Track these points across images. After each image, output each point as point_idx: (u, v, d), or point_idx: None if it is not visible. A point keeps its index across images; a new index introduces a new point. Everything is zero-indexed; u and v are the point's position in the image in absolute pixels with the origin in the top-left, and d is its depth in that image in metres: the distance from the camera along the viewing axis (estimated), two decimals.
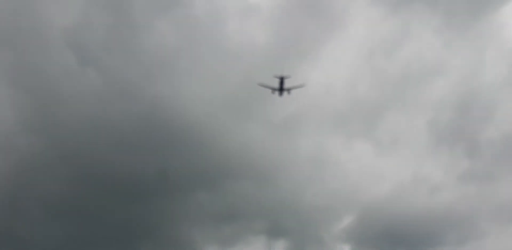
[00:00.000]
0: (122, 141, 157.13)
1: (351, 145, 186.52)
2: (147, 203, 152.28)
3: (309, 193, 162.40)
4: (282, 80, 58.86)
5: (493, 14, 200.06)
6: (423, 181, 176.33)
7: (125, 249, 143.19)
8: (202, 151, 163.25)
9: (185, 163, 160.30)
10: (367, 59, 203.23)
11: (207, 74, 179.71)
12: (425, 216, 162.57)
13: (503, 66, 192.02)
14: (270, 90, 70.32)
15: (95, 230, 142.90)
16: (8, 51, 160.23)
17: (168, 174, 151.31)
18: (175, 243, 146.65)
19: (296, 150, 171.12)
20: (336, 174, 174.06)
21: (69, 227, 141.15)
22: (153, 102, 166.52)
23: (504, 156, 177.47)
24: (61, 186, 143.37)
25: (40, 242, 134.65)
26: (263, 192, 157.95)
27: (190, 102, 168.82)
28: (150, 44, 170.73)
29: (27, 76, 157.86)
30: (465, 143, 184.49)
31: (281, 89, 63.71)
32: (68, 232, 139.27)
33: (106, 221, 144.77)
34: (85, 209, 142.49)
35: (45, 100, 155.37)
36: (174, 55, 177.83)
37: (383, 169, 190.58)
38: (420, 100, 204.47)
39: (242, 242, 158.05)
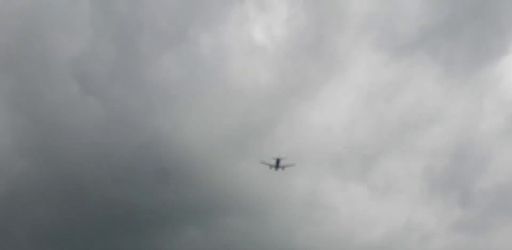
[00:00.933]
0: (118, 171, 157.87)
1: (345, 188, 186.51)
2: (137, 236, 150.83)
3: (301, 234, 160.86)
4: (278, 160, 69.87)
5: (493, 65, 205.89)
6: (415, 228, 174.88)
7: None
8: (197, 185, 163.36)
9: (179, 197, 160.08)
10: (367, 103, 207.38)
11: (208, 111, 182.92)
12: None
13: (500, 117, 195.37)
14: (268, 167, 79.83)
15: None
16: (12, 77, 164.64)
17: (161, 207, 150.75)
18: None
19: (290, 189, 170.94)
20: (329, 217, 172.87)
21: None
22: (152, 135, 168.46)
23: (497, 207, 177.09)
24: (51, 213, 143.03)
25: None
26: (255, 230, 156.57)
27: (189, 137, 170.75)
28: (154, 78, 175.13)
29: (29, 102, 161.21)
30: (459, 192, 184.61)
31: (277, 166, 72.83)
32: None
33: None
34: (72, 238, 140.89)
35: (45, 127, 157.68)
36: (176, 90, 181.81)
37: (376, 214, 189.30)
38: (417, 147, 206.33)
39: None
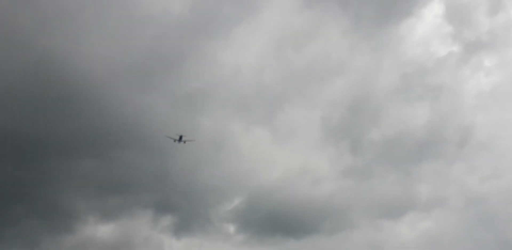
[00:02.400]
0: (3, 92, 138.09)
1: (250, 131, 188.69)
2: (22, 163, 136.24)
3: (203, 173, 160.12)
4: (181, 136, 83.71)
5: (397, 25, 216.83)
6: (309, 172, 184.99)
7: None
8: (94, 115, 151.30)
9: (73, 125, 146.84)
10: (277, 48, 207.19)
11: (111, 34, 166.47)
12: (306, 205, 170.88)
13: (395, 76, 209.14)
14: (172, 140, 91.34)
15: None
16: None
17: (55, 136, 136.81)
18: (53, 209, 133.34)
19: (195, 128, 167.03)
20: (232, 157, 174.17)
21: None
22: (45, 53, 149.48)
23: (383, 157, 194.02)
24: None
25: None
26: (155, 167, 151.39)
27: (88, 61, 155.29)
28: None
29: None
30: (351, 141, 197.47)
31: (180, 141, 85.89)
32: None
33: None
34: None
35: None
36: (76, 5, 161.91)
37: (275, 157, 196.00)
38: (318, 97, 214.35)
39: (128, 215, 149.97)
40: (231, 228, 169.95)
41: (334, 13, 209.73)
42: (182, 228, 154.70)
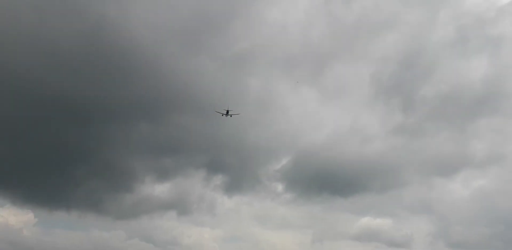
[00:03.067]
0: (62, 60, 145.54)
1: (297, 90, 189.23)
2: (85, 128, 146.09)
3: (252, 133, 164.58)
4: (227, 111, 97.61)
5: None
6: (358, 131, 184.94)
7: (59, 172, 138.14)
8: (147, 79, 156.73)
9: (128, 90, 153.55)
10: (325, 3, 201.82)
11: (160, 1, 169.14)
12: (355, 164, 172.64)
13: (451, 28, 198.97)
14: (220, 114, 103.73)
15: (26, 151, 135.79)
16: None
17: (111, 101, 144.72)
18: (113, 170, 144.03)
19: (243, 89, 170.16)
20: (280, 118, 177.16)
21: (3, 147, 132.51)
22: (98, 22, 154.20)
23: (436, 113, 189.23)
24: None
25: None
26: (207, 128, 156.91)
27: (139, 27, 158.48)
28: None
29: None
30: (402, 98, 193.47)
31: (227, 114, 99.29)
32: (3, 152, 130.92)
33: (38, 143, 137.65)
34: (20, 130, 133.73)
35: None
36: None
37: (324, 116, 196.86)
38: (368, 52, 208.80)
39: (182, 174, 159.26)
40: (280, 187, 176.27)
41: None
42: (232, 187, 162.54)
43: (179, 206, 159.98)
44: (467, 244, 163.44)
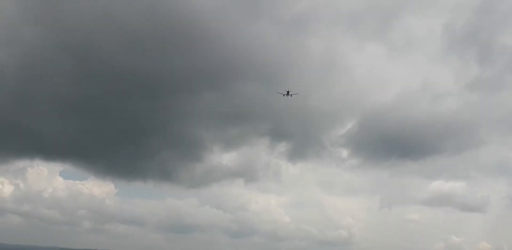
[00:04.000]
0: (127, 36, 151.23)
1: (362, 48, 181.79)
2: (154, 101, 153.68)
3: (315, 97, 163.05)
4: (288, 91, 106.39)
5: None
6: (429, 88, 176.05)
7: (135, 144, 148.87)
8: (209, 49, 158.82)
9: (191, 61, 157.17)
10: None
11: None
12: (426, 124, 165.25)
13: None
14: (282, 95, 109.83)
15: (105, 126, 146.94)
16: None
17: (175, 73, 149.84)
18: (183, 141, 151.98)
19: (305, 51, 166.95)
20: (344, 79, 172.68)
21: (79, 123, 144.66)
22: None
23: None
24: (68, 81, 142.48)
25: (51, 137, 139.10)
26: (269, 95, 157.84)
27: None
28: None
29: None
30: (478, 49, 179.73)
31: (287, 95, 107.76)
32: (78, 127, 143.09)
33: (115, 118, 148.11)
34: (93, 105, 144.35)
35: None
36: None
37: (392, 73, 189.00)
38: (440, 1, 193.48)
39: (247, 143, 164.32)
40: (344, 152, 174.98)
41: None
42: (296, 154, 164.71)
43: (246, 174, 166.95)
44: None
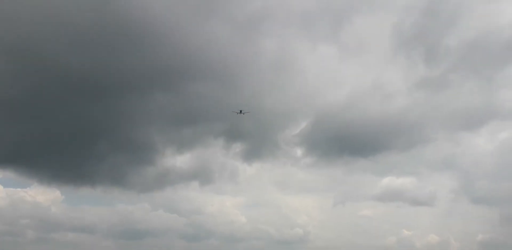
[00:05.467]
0: (73, 33, 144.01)
1: (315, 49, 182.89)
2: (103, 102, 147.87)
3: (269, 98, 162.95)
4: (241, 110, 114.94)
5: None
6: (379, 88, 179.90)
7: (81, 148, 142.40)
8: (160, 48, 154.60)
9: (142, 60, 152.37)
10: None
11: None
12: (377, 122, 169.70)
13: None
14: (235, 113, 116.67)
15: (48, 129, 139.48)
16: None
17: (125, 72, 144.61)
18: (134, 144, 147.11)
19: (258, 52, 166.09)
20: (298, 79, 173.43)
21: (19, 126, 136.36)
22: None
23: (461, 63, 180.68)
24: (11, 83, 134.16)
25: None
26: (223, 95, 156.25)
27: None
28: None
29: None
30: (425, 49, 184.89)
31: (240, 113, 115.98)
32: (18, 131, 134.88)
33: (59, 121, 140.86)
34: (38, 107, 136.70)
35: None
36: None
37: (344, 74, 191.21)
38: (390, 2, 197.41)
39: (202, 144, 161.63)
40: (299, 151, 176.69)
41: None
42: (252, 154, 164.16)
43: (201, 176, 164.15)
44: (491, 199, 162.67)
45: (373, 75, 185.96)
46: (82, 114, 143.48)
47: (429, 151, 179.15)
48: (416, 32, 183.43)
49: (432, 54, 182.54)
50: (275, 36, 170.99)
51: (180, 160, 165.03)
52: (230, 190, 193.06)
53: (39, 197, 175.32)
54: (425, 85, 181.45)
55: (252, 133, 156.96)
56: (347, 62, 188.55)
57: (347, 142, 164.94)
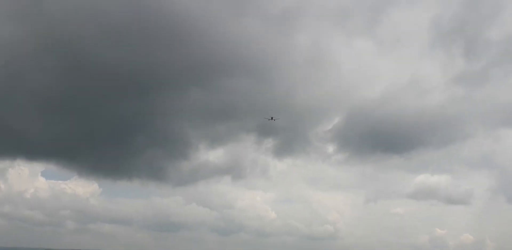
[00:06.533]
0: (112, 32, 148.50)
1: (350, 43, 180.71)
2: (140, 98, 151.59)
3: (302, 93, 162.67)
4: (272, 117, 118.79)
5: None
6: (416, 83, 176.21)
7: (120, 143, 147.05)
8: (195, 45, 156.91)
9: (177, 57, 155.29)
10: None
11: None
12: (412, 118, 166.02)
13: None
14: (267, 119, 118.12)
15: (89, 124, 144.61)
16: None
17: (162, 69, 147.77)
18: (169, 138, 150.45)
19: (292, 47, 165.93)
20: (332, 74, 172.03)
21: (61, 121, 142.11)
22: None
23: (502, 57, 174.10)
24: (51, 79, 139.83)
25: (33, 136, 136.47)
26: (256, 90, 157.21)
27: None
28: None
29: None
30: (464, 43, 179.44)
31: (271, 119, 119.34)
32: (61, 126, 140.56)
33: (99, 116, 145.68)
34: (77, 103, 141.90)
35: None
36: None
37: (380, 69, 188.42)
38: None
39: (234, 139, 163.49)
40: (330, 148, 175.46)
41: None
42: (283, 150, 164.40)
43: (233, 171, 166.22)
44: None
45: (410, 70, 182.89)
46: (121, 110, 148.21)
47: (466, 148, 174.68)
48: (455, 25, 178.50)
49: (472, 48, 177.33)
50: (310, 31, 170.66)
51: (213, 155, 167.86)
52: (261, 185, 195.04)
53: (79, 189, 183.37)
54: (464, 80, 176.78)
55: (284, 128, 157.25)
56: (383, 57, 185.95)
57: (380, 138, 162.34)
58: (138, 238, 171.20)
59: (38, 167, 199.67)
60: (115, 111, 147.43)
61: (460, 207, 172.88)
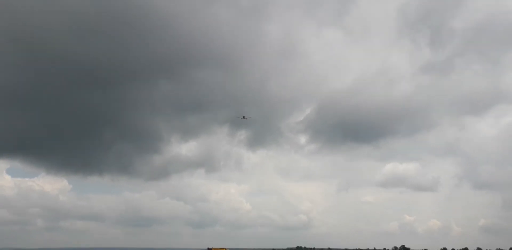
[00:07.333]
0: (76, 22, 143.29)
1: (320, 34, 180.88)
2: (108, 91, 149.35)
3: (274, 84, 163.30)
4: (244, 116, 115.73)
5: None
6: (384, 73, 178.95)
7: (88, 136, 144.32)
8: (163, 35, 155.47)
9: (145, 48, 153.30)
10: None
11: None
12: (381, 108, 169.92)
13: None
14: (239, 118, 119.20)
15: (55, 119, 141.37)
16: None
17: (130, 60, 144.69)
18: (140, 132, 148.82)
19: (263, 37, 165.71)
20: (303, 65, 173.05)
21: (25, 116, 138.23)
22: None
23: (467, 47, 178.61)
24: (17, 73, 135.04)
25: (1, 131, 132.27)
26: (228, 82, 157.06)
27: None
28: None
29: None
30: (430, 32, 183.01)
31: (243, 118, 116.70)
32: (25, 121, 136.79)
33: (66, 110, 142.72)
34: (44, 97, 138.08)
35: None
36: None
37: (350, 59, 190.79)
38: None
39: (207, 132, 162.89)
40: (303, 139, 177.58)
41: None
42: (256, 142, 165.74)
43: (207, 164, 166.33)
44: (494, 185, 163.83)
45: (378, 60, 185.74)
46: (87, 103, 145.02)
47: (433, 136, 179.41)
48: (421, 14, 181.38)
49: (437, 38, 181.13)
50: (280, 21, 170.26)
51: (185, 148, 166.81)
52: (235, 177, 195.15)
53: (47, 186, 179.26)
54: (430, 69, 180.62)
55: (256, 120, 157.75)
56: (352, 47, 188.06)
57: (351, 128, 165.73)
58: (111, 234, 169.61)
59: (3, 164, 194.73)
60: (82, 105, 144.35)
61: (428, 194, 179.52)
